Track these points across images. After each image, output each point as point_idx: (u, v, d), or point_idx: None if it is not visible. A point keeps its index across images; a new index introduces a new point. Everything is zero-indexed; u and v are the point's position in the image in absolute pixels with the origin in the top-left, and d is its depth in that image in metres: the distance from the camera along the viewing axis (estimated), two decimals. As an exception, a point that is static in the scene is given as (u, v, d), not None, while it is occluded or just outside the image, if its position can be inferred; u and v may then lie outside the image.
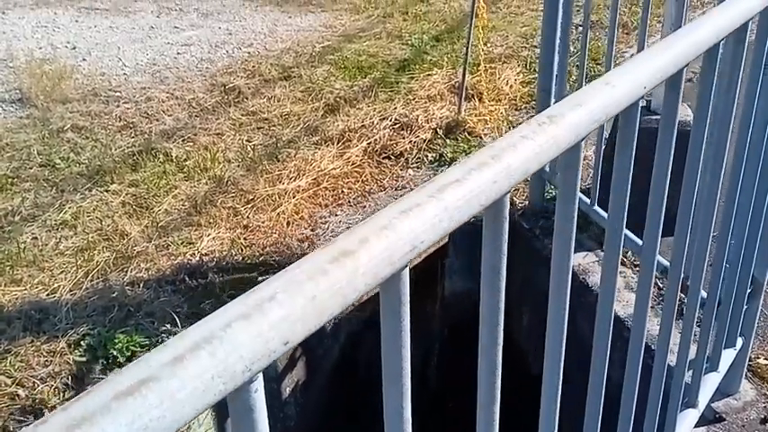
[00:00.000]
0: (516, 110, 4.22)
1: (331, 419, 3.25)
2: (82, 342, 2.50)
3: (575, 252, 1.08)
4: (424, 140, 3.81)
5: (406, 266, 0.71)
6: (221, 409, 2.40)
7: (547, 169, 2.95)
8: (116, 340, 2.48)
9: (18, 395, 2.33)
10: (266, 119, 4.06)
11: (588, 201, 2.78)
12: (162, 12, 5.80)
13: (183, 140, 3.81)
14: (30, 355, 2.45)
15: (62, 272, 2.83)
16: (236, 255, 2.97)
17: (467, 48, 3.95)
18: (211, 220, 3.16)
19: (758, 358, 2.53)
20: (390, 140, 3.80)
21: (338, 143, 3.78)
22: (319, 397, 3.11)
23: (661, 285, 2.73)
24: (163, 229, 3.10)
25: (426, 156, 3.72)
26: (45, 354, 2.46)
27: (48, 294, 2.72)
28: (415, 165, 3.66)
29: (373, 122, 3.95)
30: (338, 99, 4.24)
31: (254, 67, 4.69)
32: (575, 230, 1.06)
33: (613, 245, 1.25)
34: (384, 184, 3.50)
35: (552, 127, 0.86)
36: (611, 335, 1.35)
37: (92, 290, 2.75)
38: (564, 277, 1.08)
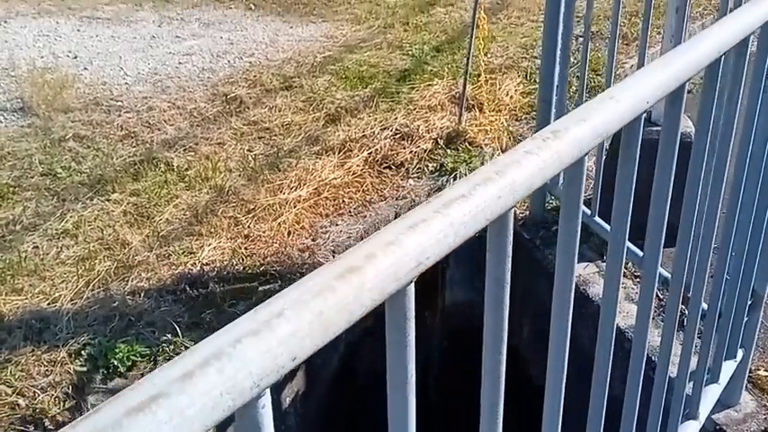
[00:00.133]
0: (517, 120, 4.23)
1: (331, 429, 3.25)
2: (82, 351, 2.50)
3: (577, 265, 1.09)
4: (425, 150, 3.82)
5: (412, 282, 0.72)
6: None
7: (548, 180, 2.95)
8: (117, 350, 2.48)
9: (18, 405, 2.32)
10: (267, 128, 4.07)
11: (589, 212, 2.78)
12: (163, 21, 5.82)
13: (184, 150, 3.82)
14: (30, 365, 2.45)
15: (63, 281, 2.83)
16: (236, 264, 2.97)
17: (467, 58, 3.97)
18: (212, 230, 3.17)
19: (758, 370, 2.53)
20: (391, 150, 3.81)
21: (339, 153, 3.79)
22: (319, 406, 3.11)
23: (661, 297, 2.73)
24: (164, 239, 3.10)
25: (427, 166, 3.73)
26: (45, 363, 2.46)
27: (48, 304, 2.72)
28: (415, 175, 3.67)
29: (374, 132, 3.96)
30: (339, 109, 4.25)
31: (255, 76, 4.70)
32: (578, 245, 1.07)
33: (616, 258, 1.26)
34: (385, 194, 3.51)
35: (556, 142, 0.87)
36: (613, 347, 1.35)
37: (93, 299, 2.75)
38: (567, 291, 1.08)
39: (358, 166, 3.68)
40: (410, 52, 5.11)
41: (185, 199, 3.38)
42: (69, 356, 2.48)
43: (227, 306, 2.74)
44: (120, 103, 4.33)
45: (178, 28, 5.68)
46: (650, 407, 1.75)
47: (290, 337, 0.58)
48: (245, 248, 3.06)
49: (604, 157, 2.79)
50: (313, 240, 3.15)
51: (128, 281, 2.84)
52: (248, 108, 4.30)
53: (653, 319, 2.42)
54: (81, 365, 2.45)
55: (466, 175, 3.61)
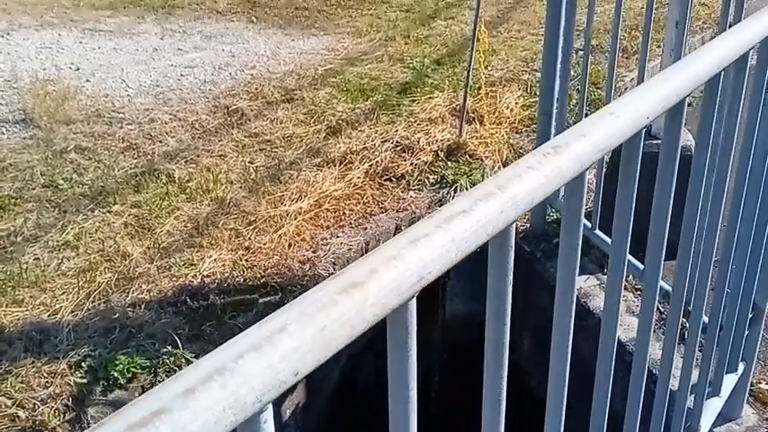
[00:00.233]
0: (517, 133, 4.24)
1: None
2: (83, 363, 2.50)
3: (578, 279, 1.09)
4: (426, 163, 3.83)
5: (414, 297, 0.72)
6: None
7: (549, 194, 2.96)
8: (117, 362, 2.48)
9: (18, 416, 2.32)
10: (269, 141, 4.08)
11: (590, 225, 2.79)
12: (166, 34, 5.85)
13: (185, 162, 3.83)
14: (30, 377, 2.45)
15: (64, 293, 2.83)
16: (237, 276, 2.98)
17: (468, 71, 3.98)
18: (213, 242, 3.17)
19: (760, 383, 2.53)
20: (392, 162, 3.82)
21: (340, 165, 3.80)
22: (319, 419, 3.10)
23: (662, 310, 2.73)
24: (165, 251, 3.10)
25: (428, 178, 3.74)
26: (46, 375, 2.46)
27: (49, 315, 2.72)
28: (416, 187, 3.67)
29: (375, 145, 3.97)
30: (340, 121, 4.26)
31: (256, 89, 4.72)
32: (579, 258, 1.07)
33: (616, 271, 1.26)
34: (385, 206, 3.51)
35: (557, 158, 0.88)
36: (614, 360, 1.35)
37: (93, 311, 2.75)
38: (568, 304, 1.09)
39: (359, 178, 3.69)
40: (411, 65, 5.13)
41: (186, 211, 3.39)
42: (69, 368, 2.48)
43: (227, 318, 2.74)
44: (121, 115, 4.34)
45: (180, 40, 5.70)
46: (651, 420, 1.74)
47: (293, 352, 0.58)
48: (246, 260, 3.07)
49: (605, 171, 2.80)
50: (314, 252, 3.15)
51: (128, 292, 2.85)
52: (250, 120, 4.31)
53: (654, 332, 2.42)
54: (81, 377, 2.45)
55: (466, 187, 3.62)
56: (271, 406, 0.59)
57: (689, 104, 1.30)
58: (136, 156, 3.89)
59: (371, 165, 3.79)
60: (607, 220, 1.38)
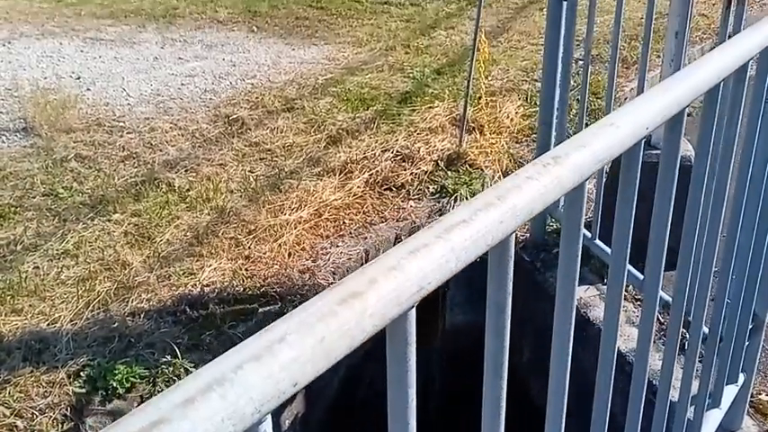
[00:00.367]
0: (517, 143, 4.24)
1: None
2: (82, 373, 2.49)
3: (578, 290, 1.09)
4: (426, 172, 3.83)
5: (413, 307, 0.72)
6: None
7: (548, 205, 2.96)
8: (116, 371, 2.47)
9: (17, 426, 2.31)
10: (269, 150, 4.08)
11: (589, 234, 2.78)
12: (166, 43, 5.86)
13: (185, 171, 3.83)
14: (29, 386, 2.44)
15: (63, 302, 2.83)
16: (237, 286, 2.97)
17: (468, 81, 3.99)
18: (213, 251, 3.17)
19: (760, 394, 2.52)
20: (392, 172, 3.82)
21: (340, 174, 3.80)
22: (319, 429, 3.09)
23: (662, 320, 2.73)
24: (164, 260, 3.10)
25: (428, 187, 3.74)
26: (44, 384, 2.45)
27: (48, 324, 2.72)
28: (416, 196, 3.68)
29: (375, 154, 3.98)
30: (340, 131, 4.27)
31: (257, 98, 4.73)
32: (578, 268, 1.07)
33: (616, 282, 1.26)
34: (385, 216, 3.51)
35: (557, 168, 0.88)
36: (614, 371, 1.35)
37: (92, 320, 2.75)
38: (568, 314, 1.09)
39: (359, 187, 3.69)
40: (411, 75, 5.14)
41: (186, 220, 3.39)
42: (68, 377, 2.47)
43: (227, 327, 2.74)
44: (122, 124, 4.35)
45: (181, 50, 5.72)
46: (652, 431, 1.74)
47: (292, 362, 0.58)
48: (246, 269, 3.06)
49: (605, 180, 2.80)
50: (313, 262, 3.15)
51: (128, 302, 2.84)
52: (250, 129, 4.32)
53: (654, 342, 2.42)
54: (80, 387, 2.44)
55: (467, 197, 3.62)
56: (270, 416, 0.59)
57: (689, 114, 1.30)
58: (136, 164, 3.90)
59: (371, 174, 3.80)
60: (607, 230, 1.38)
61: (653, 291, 1.45)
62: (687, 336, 1.95)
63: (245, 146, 4.13)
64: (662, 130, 1.27)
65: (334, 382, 3.14)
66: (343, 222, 3.43)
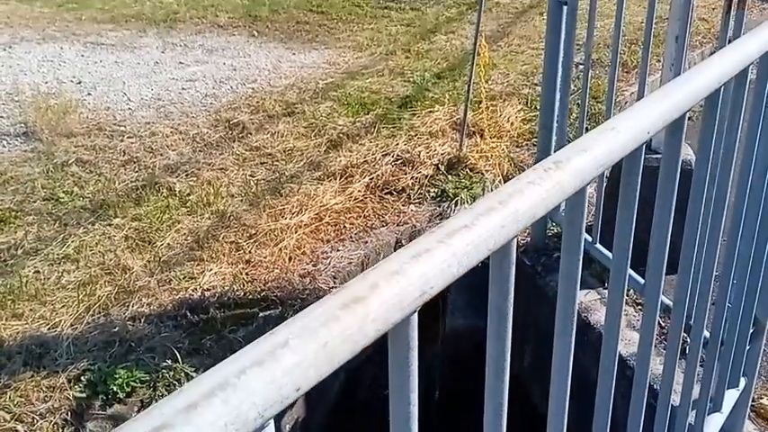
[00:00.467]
0: (517, 147, 4.25)
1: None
2: (82, 377, 2.49)
3: (579, 294, 1.09)
4: (426, 176, 3.83)
5: (415, 311, 0.72)
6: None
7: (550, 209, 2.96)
8: (116, 376, 2.47)
9: (17, 431, 2.31)
10: (269, 154, 4.09)
11: (590, 239, 2.78)
12: (167, 47, 5.87)
13: (186, 175, 3.84)
14: (29, 390, 2.44)
15: (63, 306, 2.83)
16: (237, 290, 2.97)
17: (468, 85, 4.00)
18: (213, 255, 3.17)
19: (761, 399, 2.52)
20: (392, 176, 3.83)
21: (340, 178, 3.81)
22: (319, 434, 3.09)
23: (663, 324, 2.73)
24: (165, 264, 3.10)
25: (428, 191, 3.74)
26: (45, 389, 2.45)
27: (49, 329, 2.71)
28: (416, 200, 3.68)
29: (375, 158, 3.98)
30: (341, 135, 4.27)
31: (258, 102, 4.73)
32: (580, 272, 1.07)
33: (617, 286, 1.26)
34: (386, 220, 3.52)
35: (558, 173, 0.88)
36: (615, 375, 1.35)
37: (93, 324, 2.75)
38: (569, 318, 1.09)
39: (359, 191, 3.69)
40: (411, 79, 5.15)
41: (187, 224, 3.39)
42: (69, 382, 2.47)
43: (227, 332, 2.74)
44: (122, 129, 4.35)
45: (181, 54, 5.73)
46: (653, 436, 1.73)
47: (295, 367, 0.58)
48: (247, 274, 3.06)
49: (605, 185, 2.80)
50: (314, 266, 3.15)
51: (128, 306, 2.84)
52: (250, 134, 4.32)
53: (655, 346, 2.42)
54: (80, 391, 2.44)
55: (467, 200, 3.63)
56: (272, 422, 0.59)
57: (689, 119, 1.30)
58: (137, 169, 3.90)
59: (372, 178, 3.80)
60: (608, 235, 1.38)
61: (654, 295, 1.44)
62: (688, 340, 1.95)
63: (246, 150, 4.13)
64: (662, 135, 1.27)
65: (334, 386, 3.14)
66: (344, 226, 3.43)
